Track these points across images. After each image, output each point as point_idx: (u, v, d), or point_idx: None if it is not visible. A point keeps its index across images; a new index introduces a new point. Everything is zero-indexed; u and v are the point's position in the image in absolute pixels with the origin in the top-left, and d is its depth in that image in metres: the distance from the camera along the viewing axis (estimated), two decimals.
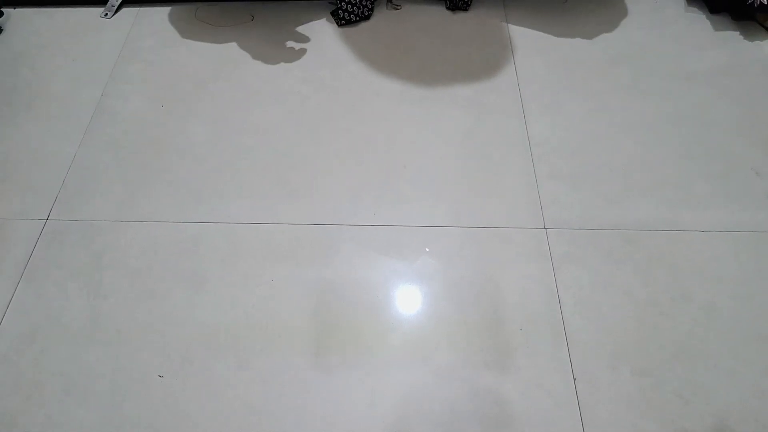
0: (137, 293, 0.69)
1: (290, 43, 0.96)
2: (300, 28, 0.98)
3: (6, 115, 0.88)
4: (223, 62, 0.94)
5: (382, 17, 0.97)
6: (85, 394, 0.62)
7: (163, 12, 1.02)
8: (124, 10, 1.04)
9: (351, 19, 0.97)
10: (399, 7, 1.00)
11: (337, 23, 0.98)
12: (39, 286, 0.71)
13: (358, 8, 0.95)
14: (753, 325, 0.65)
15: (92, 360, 0.65)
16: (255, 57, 0.94)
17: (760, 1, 0.90)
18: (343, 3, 0.94)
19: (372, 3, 0.97)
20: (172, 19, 1.01)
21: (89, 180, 0.80)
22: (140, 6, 1.04)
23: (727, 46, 0.92)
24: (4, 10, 1.02)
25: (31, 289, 0.70)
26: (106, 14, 1.03)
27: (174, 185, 0.79)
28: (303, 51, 0.94)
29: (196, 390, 0.62)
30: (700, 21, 0.96)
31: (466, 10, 0.98)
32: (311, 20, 0.99)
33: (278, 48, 0.95)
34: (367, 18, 0.98)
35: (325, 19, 0.99)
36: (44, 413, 0.61)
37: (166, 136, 0.84)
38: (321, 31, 0.97)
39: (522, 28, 0.95)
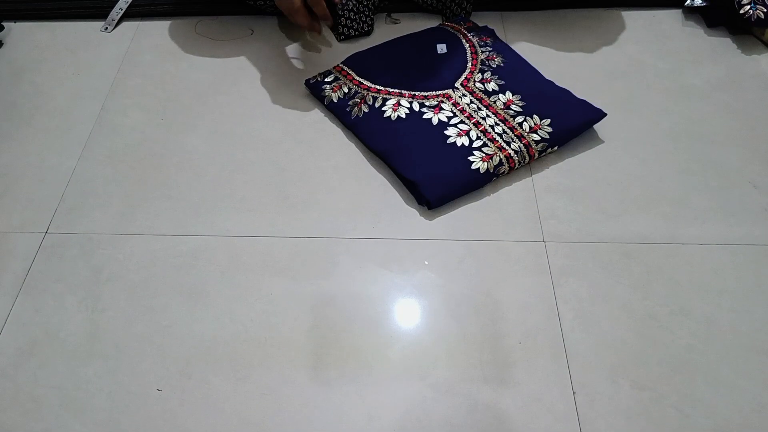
0: (136, 307, 0.69)
1: (290, 58, 0.96)
2: (299, 43, 0.98)
3: (6, 128, 0.89)
4: (223, 76, 0.94)
5: (381, 31, 0.98)
6: (83, 409, 0.62)
7: (163, 26, 1.03)
8: (125, 24, 1.04)
9: (351, 33, 0.97)
10: (398, 21, 1.00)
11: (336, 38, 0.98)
12: (37, 299, 0.71)
13: (358, 23, 0.96)
14: (753, 339, 0.65)
15: (90, 374, 0.65)
16: (254, 71, 0.94)
17: (757, 15, 0.90)
18: (342, 18, 0.95)
19: (372, 19, 0.97)
20: (172, 33, 1.02)
21: (88, 193, 0.80)
22: (140, 20, 1.05)
23: (724, 59, 0.92)
24: (5, 24, 1.03)
25: (30, 303, 0.70)
26: (107, 28, 1.03)
27: (173, 198, 0.79)
28: (302, 65, 0.94)
29: (195, 404, 0.62)
30: (697, 35, 0.96)
31: None
32: (312, 35, 0.99)
33: (278, 62, 0.95)
34: (367, 33, 0.98)
35: (325, 33, 0.99)
36: (42, 427, 0.61)
37: (166, 149, 0.85)
38: (321, 46, 0.97)
39: (520, 42, 0.95)
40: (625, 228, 0.74)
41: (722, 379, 0.62)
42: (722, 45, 0.95)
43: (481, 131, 0.79)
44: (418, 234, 0.74)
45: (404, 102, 0.83)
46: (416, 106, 0.83)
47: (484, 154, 0.77)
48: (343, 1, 0.93)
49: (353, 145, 0.83)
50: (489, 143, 0.78)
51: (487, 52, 0.89)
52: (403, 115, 0.82)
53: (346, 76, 0.87)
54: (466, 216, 0.75)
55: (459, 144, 0.79)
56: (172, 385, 0.64)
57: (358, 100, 0.84)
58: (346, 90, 0.86)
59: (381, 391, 0.62)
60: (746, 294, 0.68)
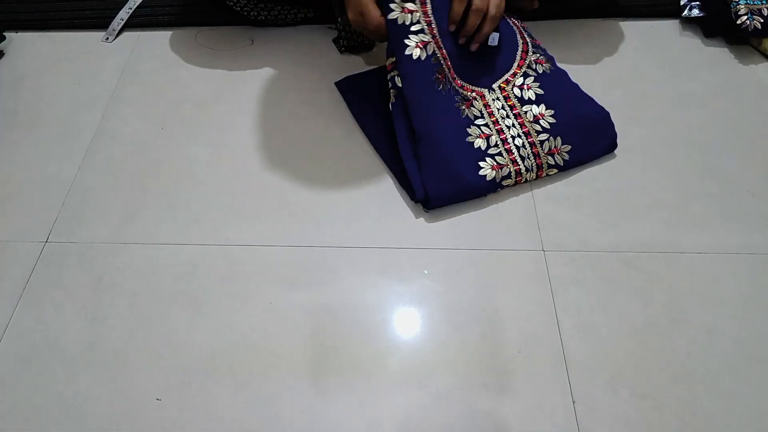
0: (135, 316, 0.69)
1: (290, 68, 0.96)
2: (300, 53, 0.99)
3: (7, 137, 0.89)
4: (223, 86, 0.94)
5: (381, 43, 0.98)
6: (83, 417, 0.62)
7: (163, 36, 1.04)
8: (125, 35, 1.05)
9: (352, 45, 0.97)
10: None
11: (338, 50, 0.98)
12: (37, 308, 0.71)
13: (359, 37, 0.96)
14: (753, 347, 0.65)
15: (90, 382, 0.65)
16: (254, 81, 0.94)
17: (754, 26, 0.91)
18: (343, 32, 0.95)
19: None
20: (173, 44, 1.02)
21: (89, 202, 0.80)
22: (141, 30, 1.05)
23: (721, 69, 0.93)
24: (6, 34, 1.03)
25: (30, 312, 0.70)
26: (108, 38, 1.04)
27: (173, 207, 0.79)
28: (302, 75, 0.95)
29: (194, 412, 0.62)
30: (694, 45, 0.97)
31: None
32: (312, 45, 1.00)
33: (278, 72, 0.96)
34: (368, 48, 0.98)
35: (326, 44, 1.00)
36: None
37: (166, 158, 0.85)
38: (321, 56, 0.98)
39: None
40: (624, 236, 0.74)
41: (723, 387, 0.62)
42: (720, 55, 0.95)
43: (501, 139, 0.79)
44: (418, 243, 0.74)
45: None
46: (451, 92, 0.81)
47: (495, 163, 0.77)
48: None
49: (353, 154, 0.84)
50: (504, 153, 0.78)
51: (538, 55, 0.87)
52: None
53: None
54: (466, 225, 0.76)
55: (476, 146, 0.78)
56: (171, 393, 0.63)
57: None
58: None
59: (380, 400, 0.62)
60: (746, 302, 0.68)
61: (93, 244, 0.76)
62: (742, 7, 0.92)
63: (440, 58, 0.78)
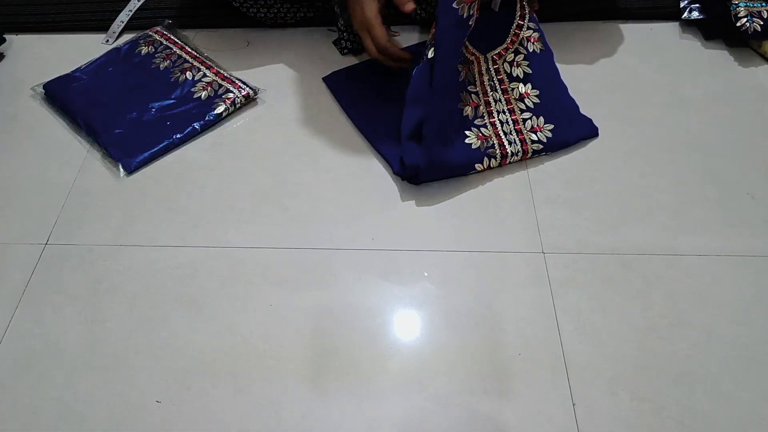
0: (135, 318, 0.69)
1: (289, 70, 0.96)
2: (298, 55, 0.99)
3: (6, 140, 0.89)
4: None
5: None
6: (82, 420, 0.62)
7: None
8: (126, 37, 1.05)
9: (353, 48, 0.97)
10: (397, 34, 1.01)
11: (340, 52, 0.98)
12: (37, 311, 0.70)
13: (359, 39, 0.96)
14: (753, 350, 0.65)
15: (89, 385, 0.64)
16: (252, 82, 0.94)
17: (754, 28, 0.91)
18: (345, 34, 0.95)
19: None
20: None
21: (88, 205, 0.80)
22: (141, 33, 1.05)
23: (721, 72, 0.93)
24: (6, 36, 1.03)
25: (29, 314, 0.70)
26: (108, 41, 1.04)
27: (173, 210, 0.79)
28: (301, 77, 0.95)
29: (194, 415, 0.62)
30: (694, 47, 0.97)
31: None
32: (312, 47, 1.00)
33: (275, 74, 0.96)
34: None
35: (326, 46, 1.00)
36: None
37: (166, 161, 0.85)
38: (321, 58, 0.98)
39: None
40: (624, 239, 0.74)
41: (722, 390, 0.62)
42: (719, 57, 0.95)
43: (487, 111, 0.81)
44: (418, 245, 0.74)
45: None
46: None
47: (480, 134, 0.79)
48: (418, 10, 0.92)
49: (353, 156, 0.84)
50: (488, 126, 0.80)
51: (532, 31, 0.86)
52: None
53: None
54: (466, 227, 0.76)
55: (464, 114, 0.80)
56: (171, 396, 0.63)
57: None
58: None
59: (380, 402, 0.62)
60: (746, 305, 0.68)
61: (93, 247, 0.76)
62: (742, 9, 0.92)
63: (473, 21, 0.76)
